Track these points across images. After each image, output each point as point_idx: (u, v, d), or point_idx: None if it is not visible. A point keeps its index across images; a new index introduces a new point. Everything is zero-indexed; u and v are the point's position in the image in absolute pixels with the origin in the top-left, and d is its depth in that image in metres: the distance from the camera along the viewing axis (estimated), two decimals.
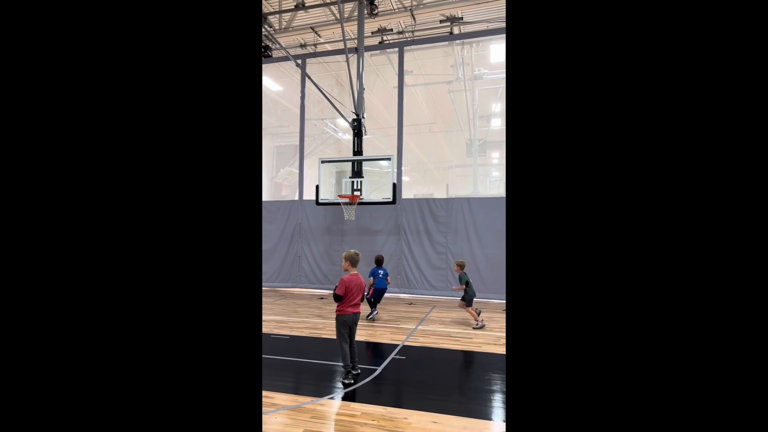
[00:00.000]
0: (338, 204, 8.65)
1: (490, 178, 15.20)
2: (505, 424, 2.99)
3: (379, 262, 7.34)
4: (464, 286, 6.26)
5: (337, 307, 3.88)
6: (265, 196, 13.40)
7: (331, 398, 3.42)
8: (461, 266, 6.50)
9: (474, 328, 6.08)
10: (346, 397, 3.45)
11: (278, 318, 6.87)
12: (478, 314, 6.25)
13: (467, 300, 6.23)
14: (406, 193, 10.10)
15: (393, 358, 4.60)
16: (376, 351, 4.97)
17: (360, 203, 8.51)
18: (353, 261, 3.95)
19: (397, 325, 6.34)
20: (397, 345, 5.15)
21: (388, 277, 7.11)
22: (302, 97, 10.60)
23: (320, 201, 8.89)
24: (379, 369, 4.19)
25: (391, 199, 8.41)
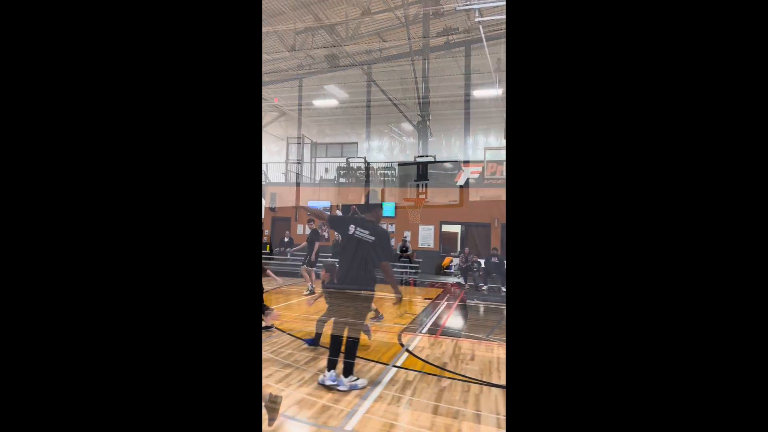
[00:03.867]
0: (404, 208, 8.63)
1: None
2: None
3: None
4: None
5: None
6: (333, 199, 13.86)
7: None
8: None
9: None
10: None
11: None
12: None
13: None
14: (473, 195, 9.80)
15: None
16: None
17: (425, 207, 8.40)
18: None
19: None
20: None
21: None
22: (367, 103, 10.79)
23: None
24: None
25: (457, 202, 8.21)
